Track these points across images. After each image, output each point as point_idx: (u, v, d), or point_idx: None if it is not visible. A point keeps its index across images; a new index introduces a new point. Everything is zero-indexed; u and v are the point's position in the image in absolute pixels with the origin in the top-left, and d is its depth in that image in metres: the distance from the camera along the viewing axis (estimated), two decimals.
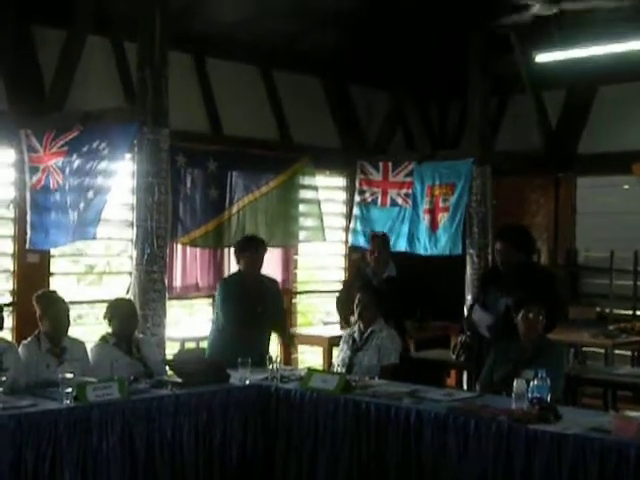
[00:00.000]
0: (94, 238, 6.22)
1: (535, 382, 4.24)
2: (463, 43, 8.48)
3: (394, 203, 8.92)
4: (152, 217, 6.09)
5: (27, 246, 6.58)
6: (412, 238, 8.69)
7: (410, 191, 8.82)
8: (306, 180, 8.78)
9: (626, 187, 9.16)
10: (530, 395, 4.23)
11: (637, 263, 8.82)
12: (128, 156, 6.42)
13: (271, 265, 8.92)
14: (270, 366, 5.15)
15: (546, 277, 5.65)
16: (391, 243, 8.83)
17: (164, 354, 5.89)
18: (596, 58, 7.89)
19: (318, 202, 8.85)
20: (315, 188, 8.84)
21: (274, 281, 6.48)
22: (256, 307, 5.92)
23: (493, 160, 8.46)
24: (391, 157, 9.17)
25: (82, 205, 6.20)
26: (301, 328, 9.09)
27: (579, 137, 9.49)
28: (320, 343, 8.16)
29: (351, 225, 9.18)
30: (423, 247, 8.57)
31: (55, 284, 6.92)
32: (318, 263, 9.67)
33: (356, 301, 5.68)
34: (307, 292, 9.53)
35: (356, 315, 5.68)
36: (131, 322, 5.33)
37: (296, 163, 8.69)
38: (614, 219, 9.05)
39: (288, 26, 8.32)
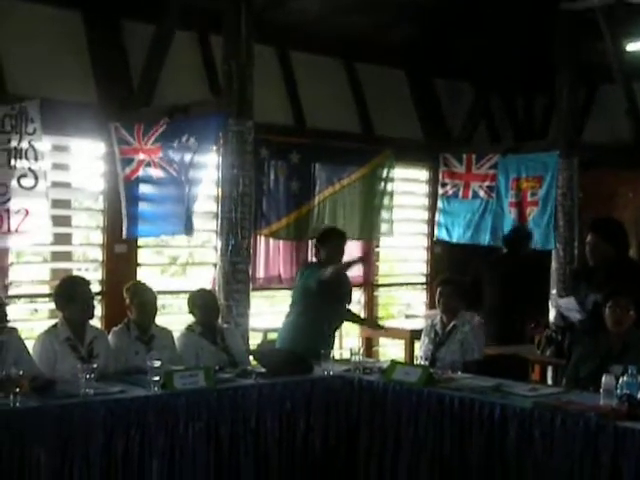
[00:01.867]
0: (191, 233, 6.31)
1: (624, 378, 4.14)
2: (550, 31, 8.33)
3: (475, 195, 8.82)
4: (236, 209, 6.18)
5: (124, 235, 6.67)
6: (496, 232, 8.58)
7: (493, 184, 8.72)
8: (388, 173, 8.76)
9: None
10: (619, 391, 4.13)
11: None
12: (214, 148, 6.49)
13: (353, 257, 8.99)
14: (352, 357, 5.16)
15: (637, 271, 5.51)
16: (471, 236, 8.81)
17: (248, 344, 5.97)
18: None
19: (391, 195, 8.77)
20: (392, 180, 8.77)
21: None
22: (344, 300, 5.89)
23: (580, 152, 8.29)
24: (475, 149, 9.07)
25: (179, 198, 6.30)
26: (383, 321, 9.07)
27: None
28: (402, 336, 8.13)
29: (436, 218, 9.11)
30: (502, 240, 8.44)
31: (141, 274, 7.07)
32: (400, 256, 9.63)
33: (437, 294, 5.64)
34: (389, 285, 9.52)
35: (439, 308, 5.64)
36: (212, 312, 5.41)
37: (378, 156, 8.67)
38: None
39: (372, 18, 8.30)
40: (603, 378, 4.23)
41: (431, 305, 9.49)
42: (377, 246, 9.11)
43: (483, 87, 9.54)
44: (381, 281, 9.32)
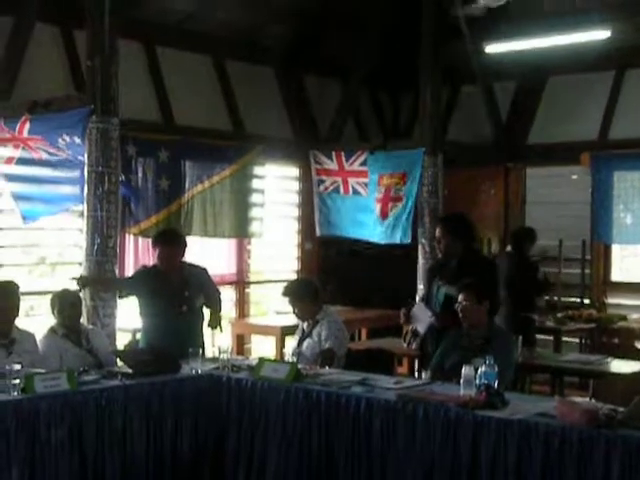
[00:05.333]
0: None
1: (483, 369, 4.30)
2: (415, 34, 8.54)
3: (356, 191, 8.93)
4: (102, 207, 6.05)
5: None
6: (362, 226, 8.73)
7: (367, 180, 8.86)
8: (258, 171, 8.78)
9: (574, 177, 9.31)
10: (478, 382, 4.28)
11: (585, 252, 8.98)
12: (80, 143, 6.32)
13: (223, 256, 8.98)
14: (221, 355, 5.14)
15: (486, 264, 5.73)
16: (347, 231, 8.92)
17: (115, 345, 5.87)
18: (546, 49, 8.01)
19: (261, 193, 8.78)
20: (262, 178, 8.79)
21: (200, 269, 6.11)
22: (181, 302, 5.75)
23: (444, 150, 8.54)
24: (344, 147, 9.20)
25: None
26: (255, 318, 9.11)
27: (529, 128, 9.62)
28: (273, 333, 8.18)
29: (315, 215, 9.15)
30: (370, 234, 8.61)
31: (4, 275, 6.83)
32: (271, 253, 9.67)
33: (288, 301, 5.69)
34: (261, 282, 9.55)
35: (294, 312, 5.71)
36: (73, 312, 5.28)
37: (248, 153, 8.67)
38: (562, 208, 9.20)
39: (241, 16, 8.31)
40: (463, 369, 4.37)
41: None
42: (249, 244, 9.14)
43: (350, 85, 9.68)
44: (253, 278, 9.34)
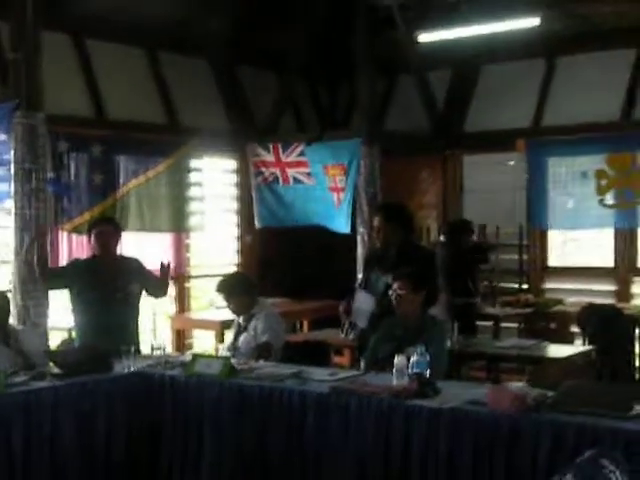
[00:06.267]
0: None
1: (415, 358, 4.29)
2: (350, 24, 8.53)
3: (298, 181, 8.87)
4: (30, 204, 5.93)
5: None
6: (319, 214, 8.67)
7: (308, 169, 8.82)
8: (193, 164, 8.69)
9: (511, 163, 9.38)
10: (410, 371, 4.28)
11: (522, 238, 9.07)
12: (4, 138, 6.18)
13: (161, 249, 8.85)
14: (154, 352, 5.08)
15: (425, 254, 5.73)
16: (297, 219, 8.84)
17: (47, 345, 5.76)
18: (479, 38, 8.04)
19: (199, 186, 8.70)
20: (199, 171, 8.71)
21: (132, 259, 6.07)
22: (114, 292, 5.67)
23: (381, 140, 8.54)
24: (280, 138, 9.15)
25: None
26: (195, 312, 9.03)
27: (465, 116, 9.68)
28: (212, 327, 8.11)
29: (255, 207, 9.08)
30: (330, 222, 8.55)
31: None
32: (211, 246, 9.59)
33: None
34: (201, 277, 9.46)
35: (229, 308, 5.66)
36: (2, 313, 5.15)
37: (183, 146, 8.57)
38: (499, 196, 9.28)
39: (175, 7, 8.19)
40: (395, 359, 4.36)
41: None
42: (187, 237, 9.04)
43: (287, 76, 9.63)
44: (193, 272, 9.25)
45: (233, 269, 9.54)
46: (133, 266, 5.88)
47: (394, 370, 4.36)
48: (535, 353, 5.92)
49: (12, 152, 5.95)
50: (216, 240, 9.61)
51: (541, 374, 4.99)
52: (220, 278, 5.82)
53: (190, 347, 8.66)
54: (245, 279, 5.73)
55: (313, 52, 9.42)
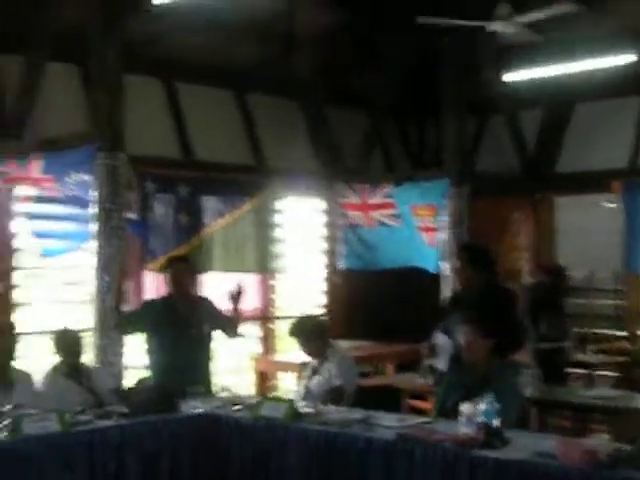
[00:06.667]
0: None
1: (482, 406, 4.10)
2: (439, 63, 8.45)
3: (382, 223, 8.81)
4: (110, 244, 6.02)
5: None
6: (415, 255, 8.55)
7: (394, 211, 8.74)
8: (280, 204, 8.72)
9: (611, 205, 9.00)
10: (478, 420, 4.09)
11: (617, 282, 8.70)
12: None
13: (248, 292, 8.86)
14: (222, 393, 5.03)
15: (506, 298, 5.48)
16: (383, 262, 8.76)
17: (121, 384, 5.79)
18: (571, 75, 7.83)
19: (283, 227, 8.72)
20: (285, 212, 8.73)
21: (205, 299, 6.08)
22: (189, 330, 5.67)
23: (470, 181, 8.39)
24: (368, 179, 9.08)
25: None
26: (279, 354, 8.98)
27: (557, 156, 9.42)
28: (294, 369, 8.01)
29: (340, 249, 9.04)
30: (424, 262, 8.42)
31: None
32: (297, 288, 9.55)
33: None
34: (286, 317, 9.40)
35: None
36: (75, 352, 5.21)
37: (270, 187, 8.61)
38: (593, 238, 8.93)
39: (262, 49, 8.27)
40: (462, 407, 4.18)
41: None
42: (272, 278, 9.04)
43: (375, 115, 9.58)
44: (278, 313, 9.22)
45: (320, 310, 9.48)
46: (205, 305, 5.88)
47: (461, 418, 4.17)
48: (620, 404, 5.56)
49: (95, 192, 6.07)
50: (303, 281, 9.55)
51: (623, 427, 4.69)
52: (292, 323, 5.74)
53: (274, 389, 8.59)
54: (317, 322, 5.65)
55: (402, 91, 9.35)
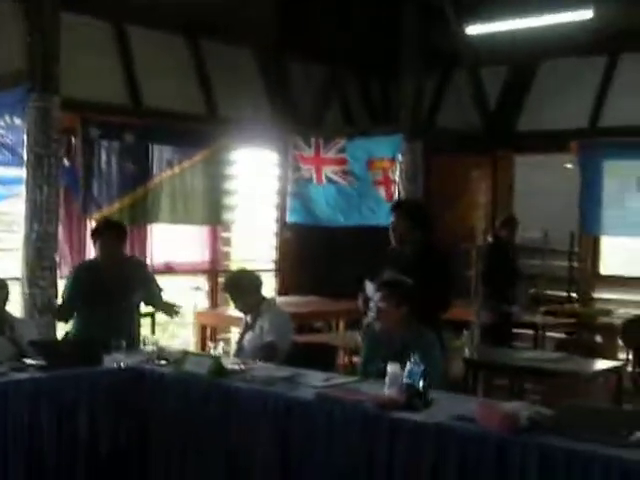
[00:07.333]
0: None
1: (408, 367, 3.95)
2: (400, 17, 8.23)
3: (331, 180, 8.66)
4: (42, 191, 5.79)
5: None
6: (369, 214, 8.40)
7: (347, 167, 8.57)
8: (232, 156, 8.48)
9: (569, 166, 8.87)
10: (402, 381, 3.95)
11: (573, 244, 8.59)
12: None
13: (196, 243, 8.68)
14: (146, 347, 4.86)
15: (439, 260, 5.27)
16: (331, 219, 8.61)
17: (48, 336, 5.60)
18: (536, 32, 7.61)
19: (236, 179, 8.51)
20: (237, 164, 8.51)
21: (140, 265, 5.95)
22: (118, 303, 5.46)
23: (429, 136, 8.21)
24: (323, 133, 8.87)
25: None
26: (224, 308, 8.80)
27: (519, 114, 9.25)
28: (236, 323, 7.85)
29: (288, 202, 8.88)
30: (383, 218, 8.25)
31: None
32: (248, 242, 9.37)
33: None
34: None
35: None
36: None
37: (222, 138, 8.38)
38: (551, 199, 8.79)
39: None
40: (388, 367, 4.03)
41: (280, 291, 9.30)
42: (224, 231, 8.85)
43: (337, 69, 9.34)
44: (233, 267, 9.03)
45: (270, 265, 9.32)
46: (139, 273, 5.70)
47: (387, 379, 4.03)
48: (559, 367, 5.40)
49: (25, 137, 5.82)
50: (255, 235, 9.37)
51: (555, 390, 4.58)
52: (226, 277, 5.56)
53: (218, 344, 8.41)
54: (251, 277, 5.46)
55: (365, 45, 9.08)
